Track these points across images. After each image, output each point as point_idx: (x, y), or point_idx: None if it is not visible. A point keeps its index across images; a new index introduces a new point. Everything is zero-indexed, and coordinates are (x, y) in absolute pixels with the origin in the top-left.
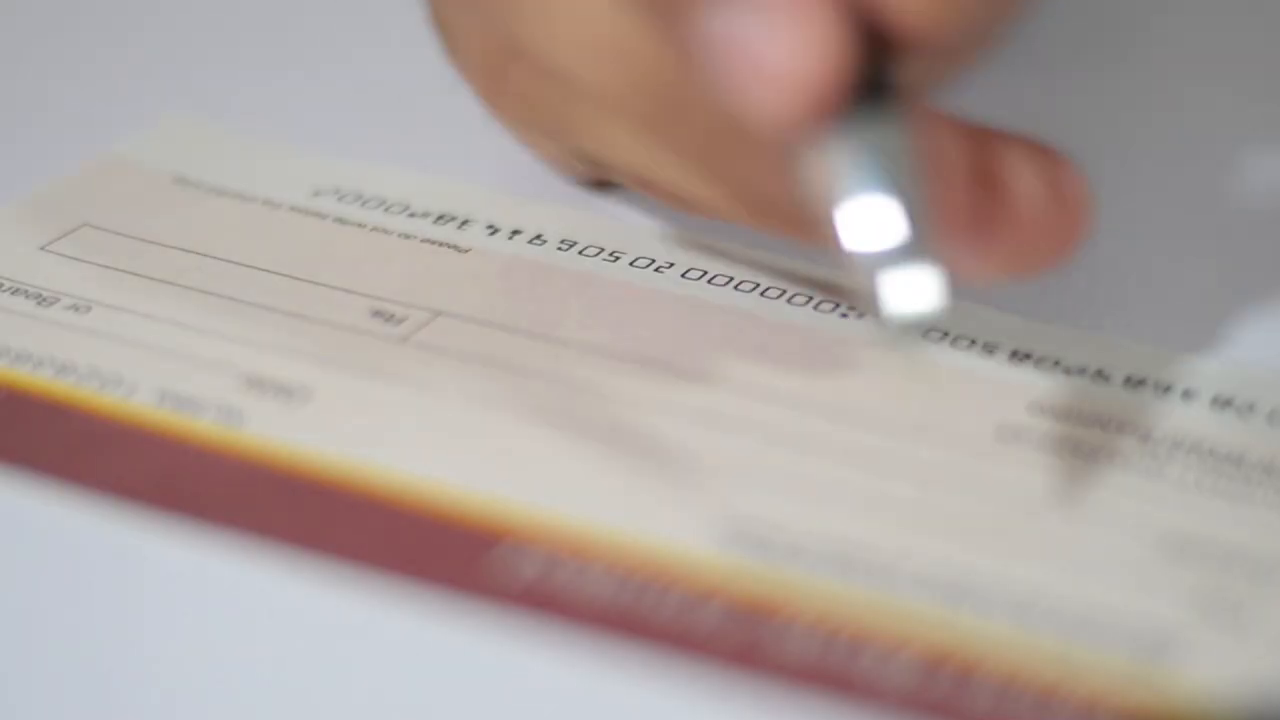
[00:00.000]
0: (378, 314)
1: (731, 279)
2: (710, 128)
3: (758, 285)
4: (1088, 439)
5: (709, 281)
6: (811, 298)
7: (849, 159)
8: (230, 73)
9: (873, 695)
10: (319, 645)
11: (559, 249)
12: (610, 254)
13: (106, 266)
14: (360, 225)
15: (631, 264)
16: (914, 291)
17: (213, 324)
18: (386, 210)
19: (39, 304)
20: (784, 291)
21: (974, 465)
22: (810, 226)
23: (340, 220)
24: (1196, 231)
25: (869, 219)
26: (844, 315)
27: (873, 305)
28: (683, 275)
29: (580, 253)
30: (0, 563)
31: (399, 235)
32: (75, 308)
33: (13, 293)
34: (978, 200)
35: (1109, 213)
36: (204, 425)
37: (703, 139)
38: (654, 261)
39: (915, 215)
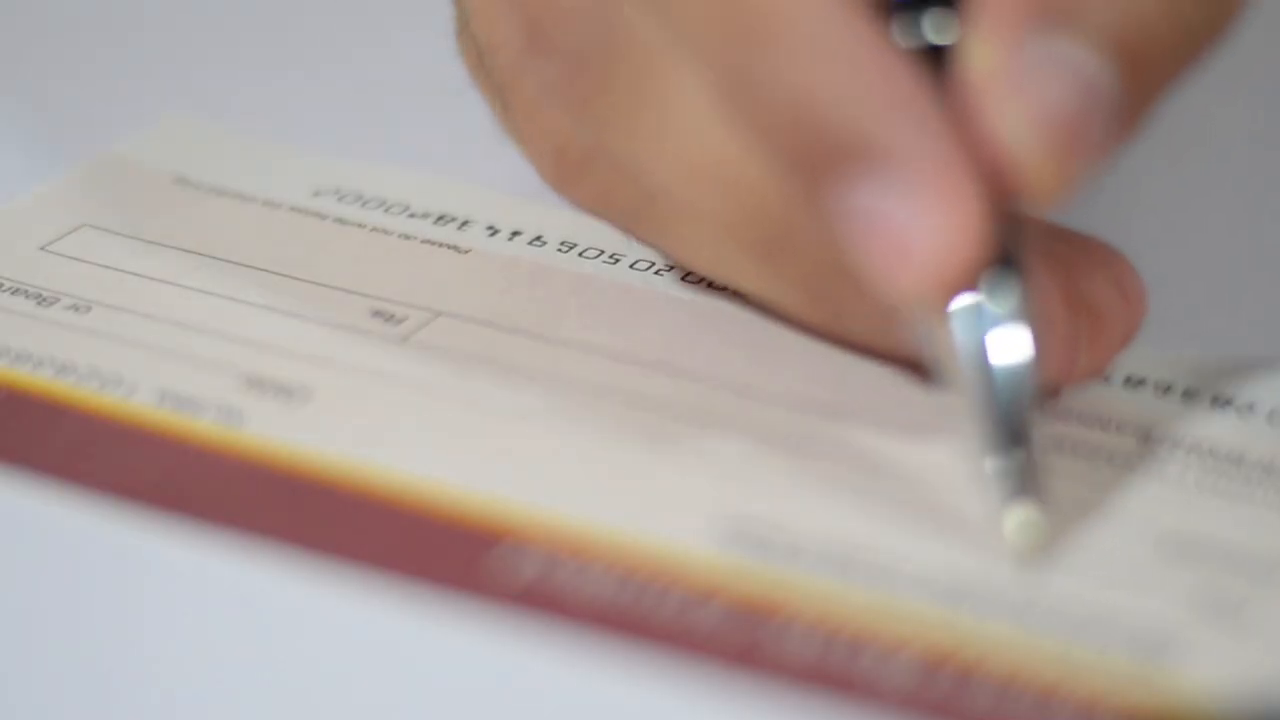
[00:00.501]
0: (378, 314)
1: None
2: (819, 261)
3: None
4: (1088, 439)
5: (708, 285)
6: None
7: (973, 325)
8: (230, 73)
9: (873, 695)
10: (319, 645)
11: (559, 250)
12: (610, 256)
13: (106, 266)
14: (360, 225)
15: (631, 266)
16: (1029, 528)
17: (213, 324)
18: (387, 211)
19: (39, 304)
20: None
21: (974, 465)
22: (906, 360)
23: (340, 220)
24: (1196, 232)
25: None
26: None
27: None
28: (682, 278)
29: (580, 254)
30: (0, 563)
31: (399, 236)
32: (75, 308)
33: (13, 292)
34: (1073, 329)
35: (1109, 213)
36: (204, 425)
37: (809, 269)
38: (654, 264)
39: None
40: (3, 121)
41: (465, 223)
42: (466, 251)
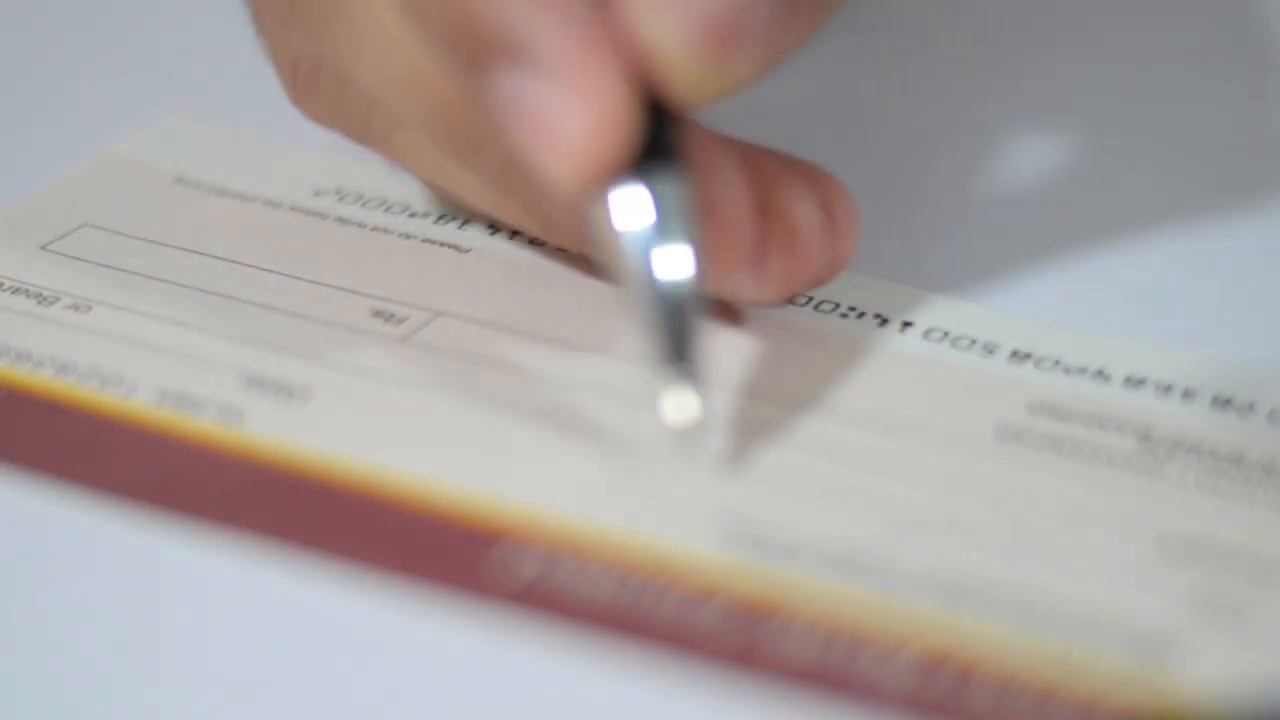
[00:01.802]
0: (378, 314)
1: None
2: (507, 159)
3: None
4: (1088, 439)
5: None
6: (811, 298)
7: (631, 215)
8: (230, 73)
9: (872, 695)
10: (319, 644)
11: (559, 250)
12: None
13: (107, 266)
14: (361, 225)
15: None
16: (683, 407)
17: (213, 323)
18: (387, 210)
19: (39, 303)
20: None
21: (974, 465)
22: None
23: (341, 220)
24: (1196, 231)
25: (652, 266)
26: (843, 316)
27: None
28: None
29: (581, 255)
30: (0, 562)
31: (400, 235)
32: (76, 307)
33: (13, 292)
34: (760, 231)
35: (1109, 212)
36: (204, 424)
37: (500, 167)
38: None
39: (697, 260)
40: (3, 121)
41: (466, 222)
42: (467, 251)
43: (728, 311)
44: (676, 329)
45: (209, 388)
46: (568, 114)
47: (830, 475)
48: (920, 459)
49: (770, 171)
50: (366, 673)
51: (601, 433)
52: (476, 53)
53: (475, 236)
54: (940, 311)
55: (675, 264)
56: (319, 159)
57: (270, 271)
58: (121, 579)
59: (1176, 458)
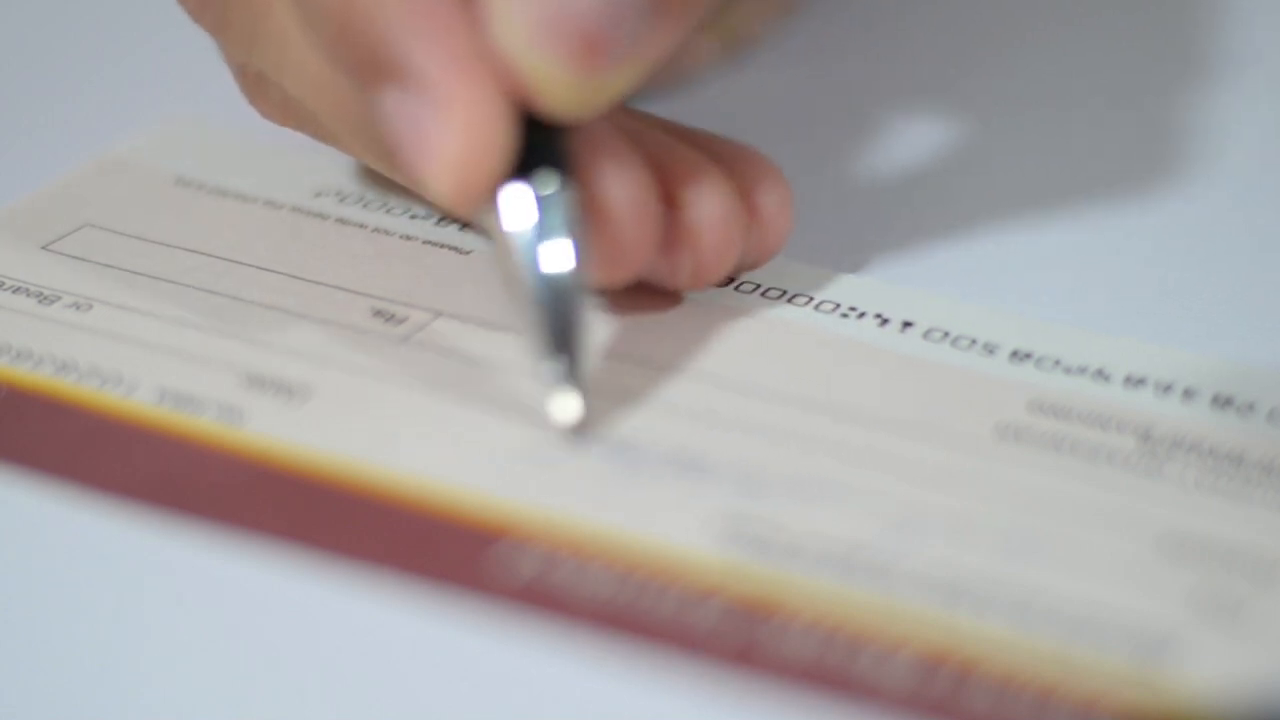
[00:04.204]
0: (379, 314)
1: (731, 279)
2: None
3: (758, 286)
4: (1088, 439)
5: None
6: (811, 298)
7: (514, 220)
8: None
9: (871, 695)
10: (318, 643)
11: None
12: None
13: (107, 265)
14: (362, 226)
15: None
16: (566, 407)
17: (213, 322)
18: (388, 212)
19: (40, 302)
20: (784, 293)
21: (974, 465)
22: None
23: (342, 221)
24: (1196, 231)
25: (536, 267)
26: (844, 315)
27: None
28: None
29: None
30: (0, 561)
31: (400, 237)
32: (76, 306)
33: (14, 291)
34: (661, 226)
35: (1108, 213)
36: (204, 423)
37: None
38: None
39: (572, 261)
40: (3, 121)
41: (466, 224)
42: (468, 252)
43: (727, 311)
44: (560, 328)
45: (209, 387)
46: (442, 133)
47: (830, 475)
48: (920, 459)
49: (677, 166)
50: (366, 672)
51: (602, 432)
52: (366, 71)
53: (476, 238)
54: (940, 311)
55: (558, 264)
56: (320, 161)
57: (271, 271)
58: (121, 578)
59: (1176, 457)
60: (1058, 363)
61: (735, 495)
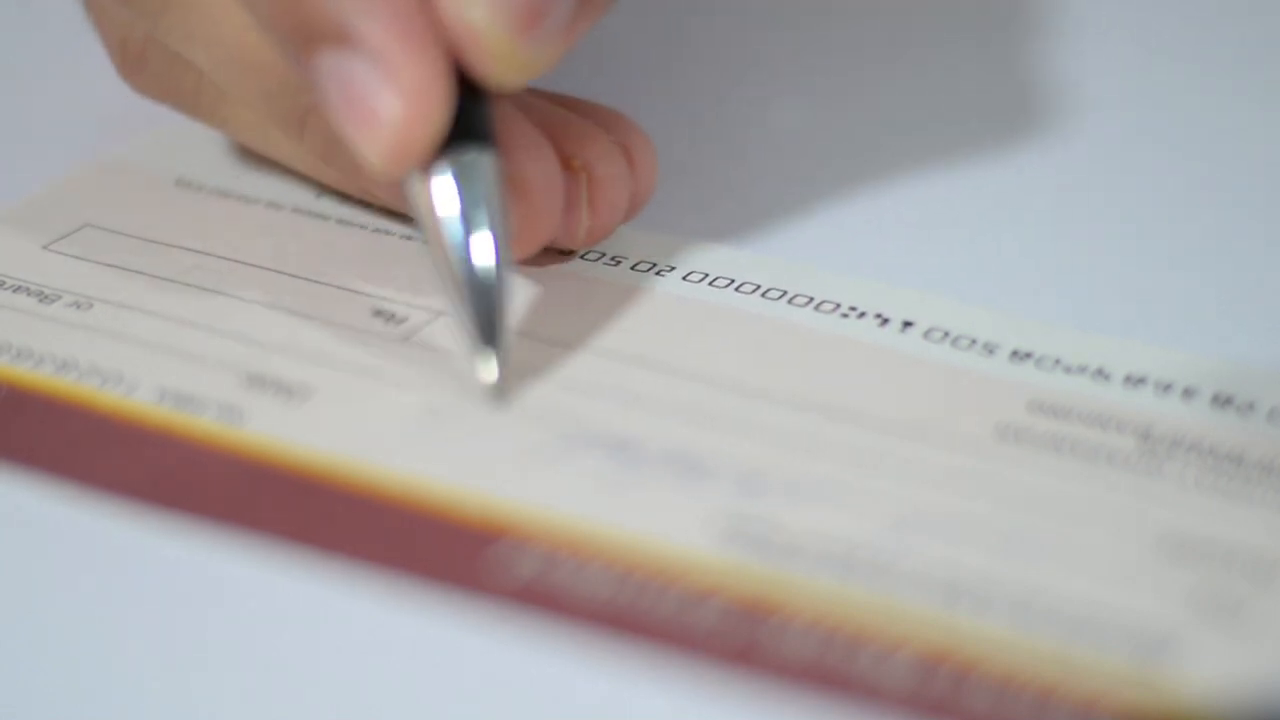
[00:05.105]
0: (379, 314)
1: (732, 281)
2: (330, 133)
3: (757, 287)
4: (1088, 439)
5: (709, 284)
6: (812, 298)
7: (440, 192)
8: None
9: (871, 695)
10: (318, 642)
11: (559, 251)
12: (611, 258)
13: (108, 265)
14: (363, 227)
15: (633, 268)
16: (488, 371)
17: (214, 322)
18: (389, 213)
19: (40, 301)
20: (784, 293)
21: (974, 465)
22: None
23: (342, 222)
24: (1196, 231)
25: (460, 239)
26: (844, 316)
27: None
28: (683, 278)
29: (581, 257)
30: (0, 561)
31: (401, 238)
32: (76, 305)
33: (14, 290)
34: (567, 191)
35: (1107, 213)
36: (204, 423)
37: (324, 139)
38: (655, 265)
39: (499, 238)
40: (4, 121)
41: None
42: None
43: (726, 310)
44: (482, 295)
45: (209, 387)
46: (384, 98)
47: (830, 475)
48: (920, 459)
49: (572, 130)
50: (366, 671)
51: (601, 431)
52: (304, 36)
53: None
54: (940, 311)
55: (481, 237)
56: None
57: (272, 270)
58: (121, 577)
59: (1176, 457)
60: (1058, 363)
61: (735, 495)
